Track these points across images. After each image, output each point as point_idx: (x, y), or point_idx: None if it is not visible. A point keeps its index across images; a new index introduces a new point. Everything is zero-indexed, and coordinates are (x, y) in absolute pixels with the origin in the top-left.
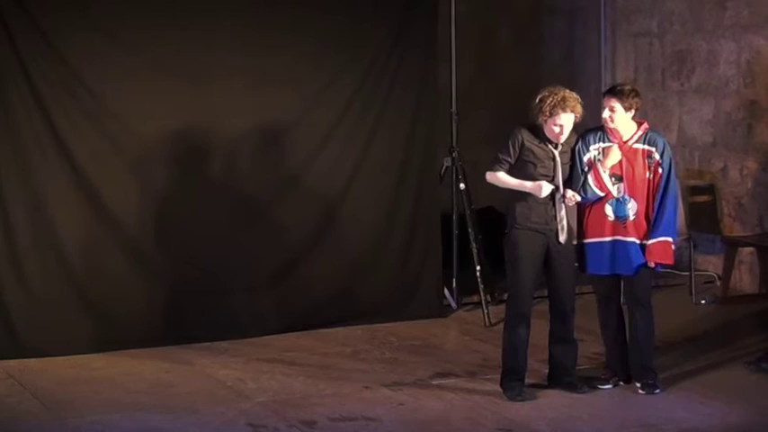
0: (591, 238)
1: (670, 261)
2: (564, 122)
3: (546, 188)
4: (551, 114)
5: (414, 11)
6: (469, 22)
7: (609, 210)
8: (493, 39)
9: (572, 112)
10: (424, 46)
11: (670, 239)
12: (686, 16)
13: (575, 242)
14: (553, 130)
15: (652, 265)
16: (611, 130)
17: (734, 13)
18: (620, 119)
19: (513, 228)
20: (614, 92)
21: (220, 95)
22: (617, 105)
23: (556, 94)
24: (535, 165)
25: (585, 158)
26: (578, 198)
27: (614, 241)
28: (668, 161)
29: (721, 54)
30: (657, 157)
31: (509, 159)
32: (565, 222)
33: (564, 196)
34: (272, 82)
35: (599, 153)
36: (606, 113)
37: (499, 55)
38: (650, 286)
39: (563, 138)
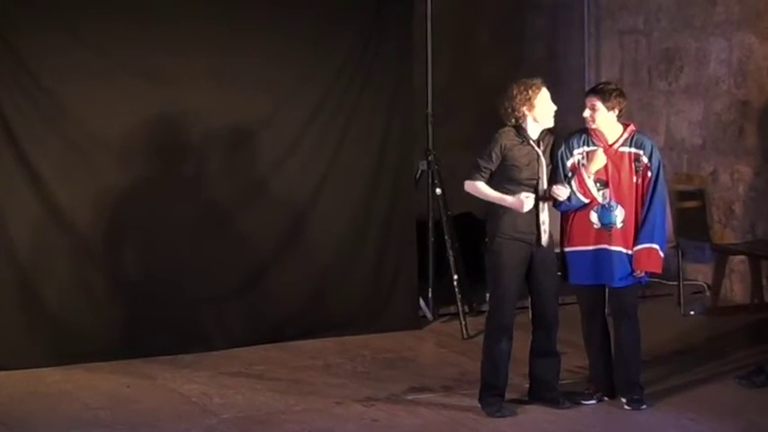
0: (574, 246)
1: (657, 270)
2: (549, 98)
3: (528, 204)
4: (536, 94)
5: (387, 7)
6: (446, 18)
7: (594, 217)
8: (471, 36)
9: (545, 87)
10: (399, 44)
11: (657, 247)
12: (674, 12)
13: (557, 250)
14: (546, 109)
15: (639, 273)
16: (595, 132)
17: (724, 9)
18: (602, 119)
19: (496, 236)
20: (596, 90)
21: (186, 97)
22: (599, 104)
23: (524, 82)
24: (520, 168)
25: (569, 163)
26: (567, 193)
27: (598, 250)
28: (657, 164)
29: (711, 52)
30: (645, 160)
31: (490, 167)
32: (547, 226)
33: (549, 196)
34: (241, 83)
35: (583, 157)
36: (587, 113)
37: (478, 53)
38: (636, 297)
39: (553, 112)
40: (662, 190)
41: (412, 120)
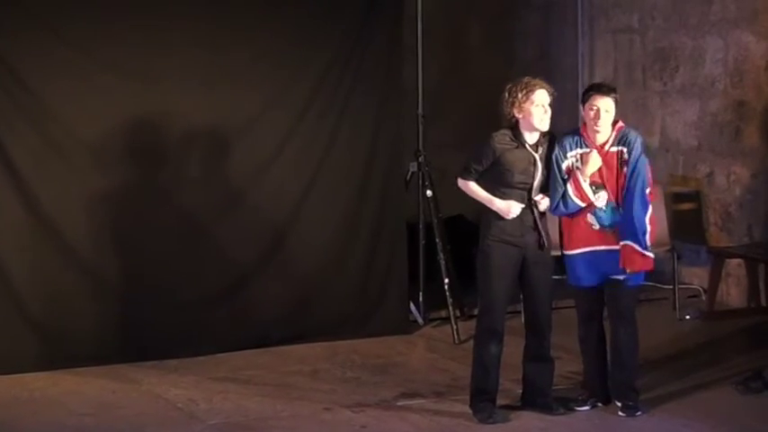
0: (575, 248)
1: (634, 267)
2: (543, 101)
3: (515, 209)
4: (527, 97)
5: (377, 6)
6: (437, 16)
7: (592, 219)
8: (462, 35)
9: (543, 88)
10: (389, 43)
11: (633, 244)
12: (669, 11)
13: (555, 253)
14: (535, 115)
15: (626, 271)
16: (587, 134)
17: (720, 8)
18: (609, 122)
19: (486, 239)
20: (606, 90)
21: (171, 97)
22: (612, 106)
23: (520, 81)
24: (512, 172)
25: (564, 166)
26: (547, 203)
27: (597, 251)
28: (635, 156)
29: (707, 51)
30: (627, 156)
31: (479, 168)
32: (546, 230)
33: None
34: (227, 83)
35: (577, 160)
36: (601, 117)
37: (469, 52)
38: (635, 300)
39: (548, 120)
40: (640, 183)
41: (402, 120)
